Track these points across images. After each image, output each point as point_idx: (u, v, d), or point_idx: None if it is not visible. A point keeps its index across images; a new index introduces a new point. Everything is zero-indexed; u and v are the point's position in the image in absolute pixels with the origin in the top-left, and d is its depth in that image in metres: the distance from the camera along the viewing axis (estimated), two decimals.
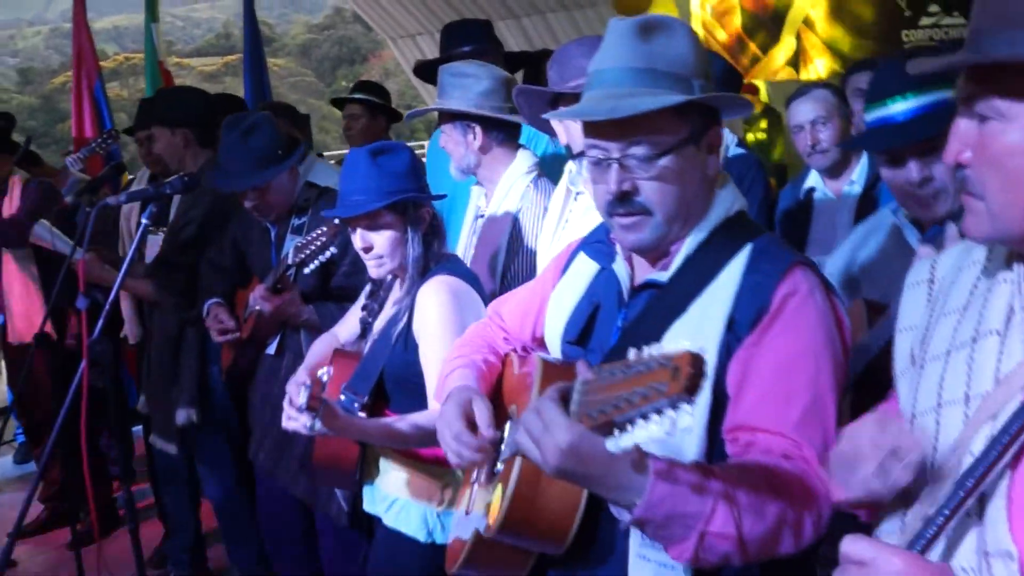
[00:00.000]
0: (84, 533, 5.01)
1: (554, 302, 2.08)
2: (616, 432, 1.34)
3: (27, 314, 5.28)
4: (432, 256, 2.77)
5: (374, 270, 2.77)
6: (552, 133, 3.00)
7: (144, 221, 3.18)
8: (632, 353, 1.34)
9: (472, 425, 1.96)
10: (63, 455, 5.63)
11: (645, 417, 1.29)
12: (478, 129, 3.32)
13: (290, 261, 3.34)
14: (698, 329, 1.73)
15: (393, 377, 2.73)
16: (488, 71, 3.34)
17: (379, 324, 2.86)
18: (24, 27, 70.25)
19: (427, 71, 4.47)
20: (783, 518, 1.60)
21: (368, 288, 2.99)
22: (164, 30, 7.73)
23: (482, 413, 1.96)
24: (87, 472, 3.16)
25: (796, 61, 7.52)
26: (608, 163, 1.78)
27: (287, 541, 3.83)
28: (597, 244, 2.02)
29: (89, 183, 4.31)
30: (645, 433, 1.30)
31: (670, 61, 1.76)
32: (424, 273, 2.74)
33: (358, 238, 2.73)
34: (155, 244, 4.46)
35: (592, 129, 1.79)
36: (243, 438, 4.07)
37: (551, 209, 3.03)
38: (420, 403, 2.63)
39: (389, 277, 2.88)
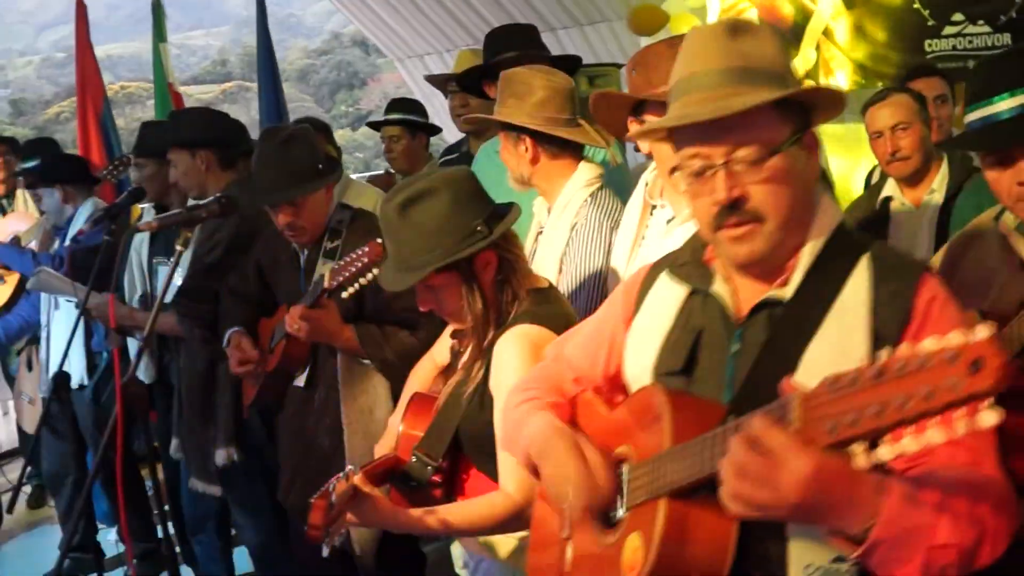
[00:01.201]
0: None
1: (638, 334, 1.88)
2: (868, 446, 1.28)
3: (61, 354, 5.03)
4: (508, 302, 2.39)
5: (452, 326, 2.51)
6: (624, 139, 2.81)
7: (178, 248, 2.96)
8: (884, 353, 1.24)
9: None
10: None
11: (918, 423, 1.21)
12: (528, 140, 3.12)
13: (326, 285, 3.06)
14: (841, 346, 1.60)
15: (471, 437, 2.40)
16: (546, 80, 3.14)
17: (458, 372, 2.51)
18: (15, 58, 70.47)
19: (472, 79, 4.23)
20: (986, 526, 1.49)
21: None
22: (146, 61, 7.64)
23: (595, 456, 1.80)
24: (124, 518, 2.93)
25: (816, 73, 7.38)
26: (713, 171, 1.63)
27: None
28: (684, 267, 1.84)
29: (107, 210, 4.10)
30: (916, 442, 1.22)
31: (763, 59, 1.68)
32: (501, 321, 2.39)
33: (420, 302, 2.44)
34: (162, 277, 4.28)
35: (689, 137, 1.67)
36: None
37: (626, 223, 2.84)
38: None
39: None
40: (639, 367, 1.84)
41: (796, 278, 1.68)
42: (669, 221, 2.65)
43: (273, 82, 7.34)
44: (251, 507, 4.16)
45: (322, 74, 55.48)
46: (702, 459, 1.52)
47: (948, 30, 6.65)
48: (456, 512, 2.31)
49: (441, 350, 2.76)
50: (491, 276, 2.37)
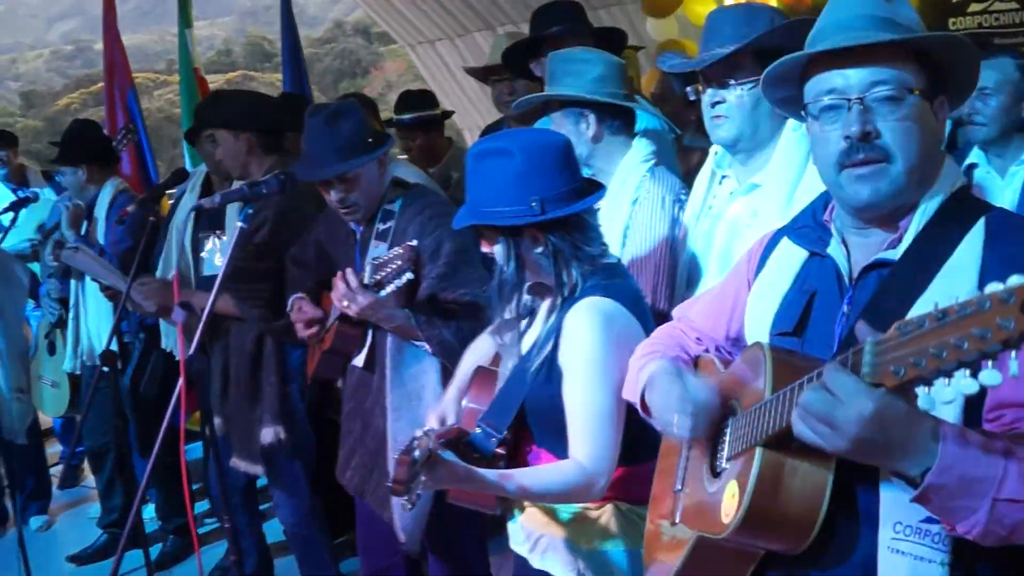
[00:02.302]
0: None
1: (757, 295, 1.94)
2: (928, 388, 1.31)
3: (100, 334, 5.11)
4: (580, 274, 2.38)
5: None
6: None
7: (240, 224, 3.00)
8: (948, 301, 1.28)
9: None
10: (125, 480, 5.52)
11: (974, 364, 1.24)
12: (592, 117, 3.12)
13: (367, 280, 3.07)
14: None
15: (535, 411, 2.42)
16: (601, 56, 3.16)
17: (525, 345, 2.51)
18: (25, 51, 70.30)
19: (516, 58, 4.22)
20: None
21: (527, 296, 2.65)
22: (164, 49, 7.64)
23: (696, 381, 1.88)
24: (187, 494, 2.96)
25: None
26: (848, 105, 1.67)
27: (385, 569, 3.62)
28: (804, 229, 1.89)
29: (152, 191, 4.14)
30: (972, 383, 1.25)
31: (908, 19, 1.72)
32: (573, 293, 2.38)
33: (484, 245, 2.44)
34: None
35: (827, 74, 1.72)
36: (320, 461, 3.91)
37: (694, 193, 2.85)
38: (567, 441, 2.34)
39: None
40: (756, 328, 1.90)
41: (907, 238, 1.71)
42: (732, 192, 2.68)
43: (298, 71, 7.35)
44: (289, 486, 4.21)
45: (325, 63, 55.26)
46: (788, 406, 1.56)
47: (974, 7, 6.67)
48: (526, 476, 2.34)
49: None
50: (538, 251, 2.38)
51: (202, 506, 5.74)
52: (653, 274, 2.97)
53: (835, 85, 1.71)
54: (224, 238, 4.30)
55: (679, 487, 1.99)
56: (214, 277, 4.16)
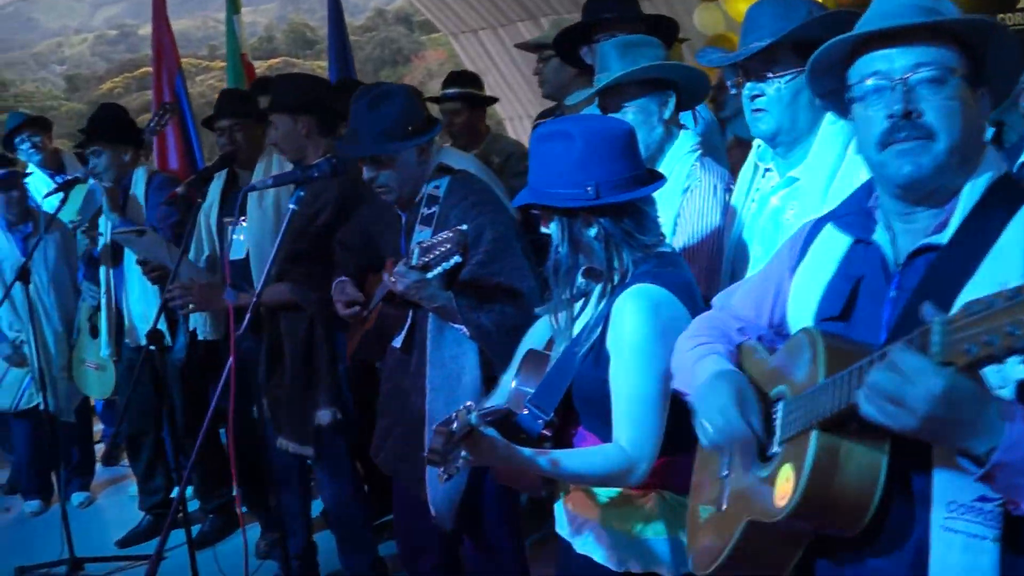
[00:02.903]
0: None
1: (801, 282, 1.96)
2: (999, 365, 1.36)
3: (145, 316, 5.13)
4: (631, 260, 2.39)
5: None
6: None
7: (292, 206, 3.04)
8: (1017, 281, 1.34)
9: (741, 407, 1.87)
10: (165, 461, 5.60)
11: None
12: (672, 100, 3.14)
13: (414, 262, 3.07)
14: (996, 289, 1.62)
15: (583, 395, 2.43)
16: (659, 43, 3.18)
17: (576, 328, 2.52)
18: (71, 35, 70.99)
19: (567, 42, 4.20)
20: None
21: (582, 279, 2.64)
22: (207, 35, 7.71)
23: (752, 402, 1.88)
24: (235, 473, 2.99)
25: None
26: (892, 86, 1.72)
27: (423, 550, 3.65)
28: (848, 216, 1.91)
29: (201, 173, 4.18)
30: None
31: (950, 12, 1.75)
32: (623, 279, 2.40)
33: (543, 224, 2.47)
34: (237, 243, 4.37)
35: (871, 57, 1.77)
36: (362, 441, 3.94)
37: (739, 185, 2.85)
38: (611, 426, 2.36)
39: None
40: (800, 314, 1.93)
41: (954, 223, 1.73)
42: (773, 186, 2.68)
43: (344, 58, 7.39)
44: (334, 467, 4.25)
45: (366, 51, 55.30)
46: (849, 388, 1.58)
47: None
48: (568, 457, 2.35)
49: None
50: (590, 235, 2.40)
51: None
52: (707, 261, 2.97)
53: (879, 67, 1.75)
54: (245, 223, 4.35)
55: (725, 473, 1.99)
56: (239, 262, 4.26)
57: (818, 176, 2.54)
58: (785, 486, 1.71)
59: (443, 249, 2.98)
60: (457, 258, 2.99)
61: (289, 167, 4.31)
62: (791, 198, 2.63)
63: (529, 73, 10.51)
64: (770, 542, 1.81)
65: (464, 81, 5.53)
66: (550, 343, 2.68)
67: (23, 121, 6.66)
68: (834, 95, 1.91)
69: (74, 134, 6.30)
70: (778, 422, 1.83)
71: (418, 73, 46.92)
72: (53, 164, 6.62)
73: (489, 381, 3.26)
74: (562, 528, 2.63)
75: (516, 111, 11.54)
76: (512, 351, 2.98)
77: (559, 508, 2.64)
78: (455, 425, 2.10)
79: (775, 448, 1.82)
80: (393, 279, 3.11)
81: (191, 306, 4.21)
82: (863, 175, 2.40)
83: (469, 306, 3.23)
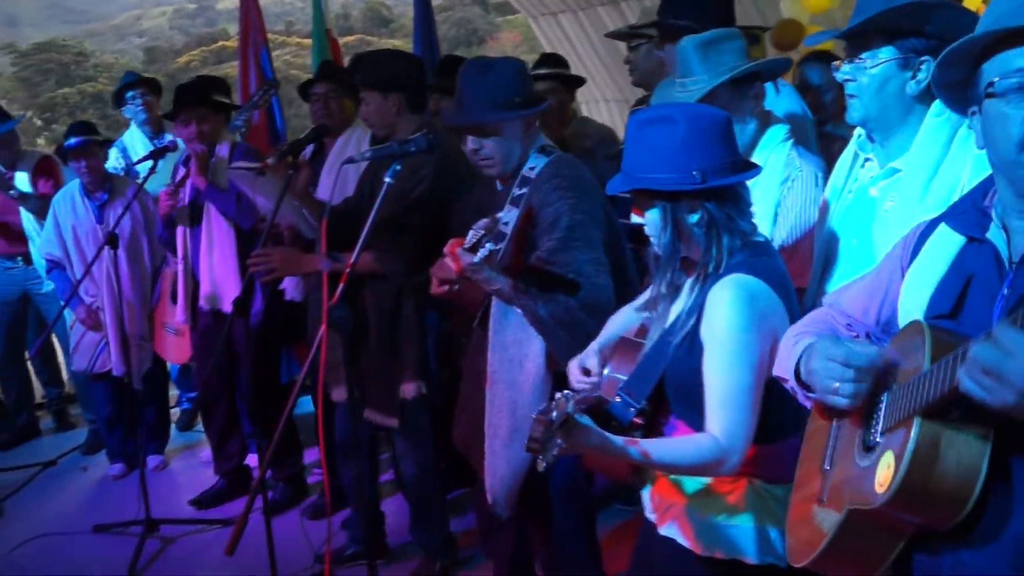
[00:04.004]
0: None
1: (912, 281, 1.94)
2: None
3: (224, 281, 5.23)
4: (727, 248, 2.38)
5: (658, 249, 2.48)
6: None
7: (388, 180, 3.07)
8: None
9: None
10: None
11: None
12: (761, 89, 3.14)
13: (466, 244, 3.06)
14: None
15: (676, 383, 2.43)
16: (733, 34, 3.17)
17: (669, 317, 2.52)
18: (150, 7, 72.02)
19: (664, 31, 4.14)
20: None
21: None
22: (283, 11, 7.78)
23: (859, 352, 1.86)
24: (323, 444, 3.02)
25: None
26: None
27: (499, 528, 3.69)
28: (963, 215, 1.89)
29: (291, 145, 4.23)
30: None
31: None
32: (719, 268, 2.39)
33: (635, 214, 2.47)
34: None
35: (1014, 52, 1.68)
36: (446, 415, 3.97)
37: (835, 174, 2.82)
38: (703, 415, 2.35)
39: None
40: (910, 312, 1.90)
41: None
42: (872, 176, 2.65)
43: (428, 36, 7.42)
44: (415, 438, 4.29)
45: (441, 31, 55.18)
46: (951, 370, 1.56)
47: None
48: (660, 446, 2.35)
49: (646, 296, 2.75)
50: (693, 220, 2.38)
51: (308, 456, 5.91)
52: (810, 252, 2.93)
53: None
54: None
55: (827, 467, 1.99)
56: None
57: (921, 169, 2.50)
58: (885, 473, 1.70)
59: (480, 236, 2.99)
60: (490, 245, 2.97)
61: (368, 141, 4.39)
62: (891, 189, 2.59)
63: (607, 57, 10.51)
64: (869, 532, 1.80)
65: (555, 62, 5.51)
66: (640, 330, 2.68)
67: (136, 79, 6.84)
68: (955, 87, 1.87)
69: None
70: (882, 412, 1.82)
71: (492, 54, 46.52)
72: (155, 127, 6.74)
73: (555, 370, 3.27)
74: (648, 511, 2.64)
75: (593, 95, 11.47)
76: (570, 345, 3.01)
77: (647, 493, 2.64)
78: (554, 414, 2.11)
79: (878, 438, 1.81)
80: (451, 259, 3.13)
81: (275, 272, 4.25)
82: (968, 170, 2.38)
83: (527, 293, 3.19)
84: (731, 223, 2.39)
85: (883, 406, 1.83)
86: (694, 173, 2.32)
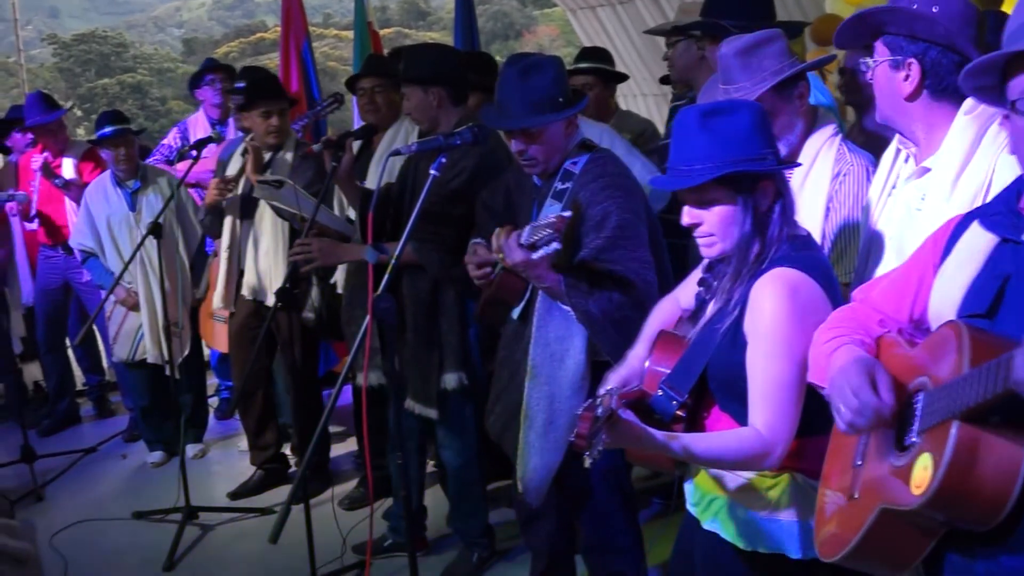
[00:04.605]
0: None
1: (945, 278, 1.94)
2: None
3: (268, 273, 5.25)
4: (773, 239, 2.37)
5: (704, 250, 2.46)
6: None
7: (433, 172, 3.08)
8: None
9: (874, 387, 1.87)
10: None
11: None
12: (807, 87, 3.12)
13: (523, 240, 3.10)
14: None
15: (719, 376, 2.42)
16: (774, 35, 3.12)
17: (711, 310, 2.51)
18: None
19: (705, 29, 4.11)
20: None
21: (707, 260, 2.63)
22: (321, 4, 7.81)
23: (885, 379, 1.87)
24: (366, 434, 3.05)
25: None
26: None
27: (540, 516, 3.70)
28: (996, 216, 1.89)
29: (340, 137, 4.26)
30: None
31: None
32: (763, 260, 2.38)
33: (685, 214, 2.42)
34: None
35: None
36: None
37: (879, 172, 2.81)
38: (746, 409, 2.34)
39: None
40: (943, 310, 1.90)
41: None
42: (908, 176, 2.63)
43: (469, 30, 7.43)
44: (458, 428, 4.31)
45: (478, 24, 55.53)
46: (995, 379, 1.55)
47: None
48: (704, 441, 2.35)
49: (687, 293, 2.76)
50: (765, 207, 2.39)
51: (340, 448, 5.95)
52: (854, 245, 2.92)
53: None
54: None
55: (859, 462, 1.98)
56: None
57: (948, 167, 2.49)
58: (922, 475, 1.69)
59: (546, 233, 2.99)
60: (556, 245, 2.98)
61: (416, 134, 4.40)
62: (922, 188, 2.58)
63: (645, 52, 10.49)
64: (902, 531, 1.80)
65: (597, 56, 5.49)
66: (678, 323, 2.68)
67: (216, 64, 6.96)
68: (987, 90, 1.88)
69: (189, 95, 6.49)
70: (918, 412, 1.81)
71: (529, 48, 46.92)
72: (222, 113, 6.81)
73: (595, 367, 3.27)
74: (691, 504, 2.64)
75: (631, 89, 11.44)
76: (618, 341, 3.01)
77: (689, 486, 2.64)
78: (599, 410, 2.11)
79: (913, 438, 1.80)
80: (500, 254, 3.15)
81: (314, 262, 4.27)
82: (995, 168, 2.37)
83: (578, 289, 3.22)
84: (786, 212, 2.41)
85: (919, 406, 1.82)
86: (767, 156, 2.35)
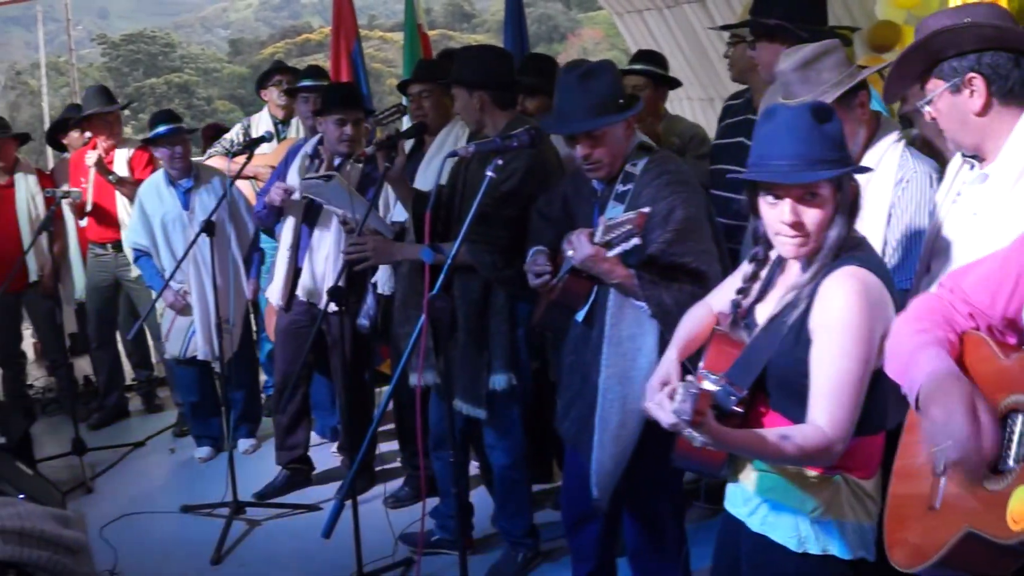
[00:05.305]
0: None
1: None
2: None
3: (325, 277, 5.25)
4: (848, 239, 2.40)
5: (792, 249, 2.42)
6: None
7: (489, 174, 3.11)
8: None
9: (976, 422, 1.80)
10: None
11: None
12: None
13: (597, 239, 3.14)
14: None
15: (777, 373, 2.42)
16: (833, 47, 3.12)
17: (767, 309, 2.52)
18: (236, 0, 73.22)
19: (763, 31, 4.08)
20: None
21: (749, 267, 2.63)
22: (366, 5, 7.86)
23: (988, 419, 1.82)
24: (420, 433, 3.08)
25: None
26: None
27: (586, 517, 3.71)
28: None
29: (391, 138, 4.31)
30: None
31: None
32: (836, 259, 2.39)
33: (786, 210, 2.38)
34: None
35: None
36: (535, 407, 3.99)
37: (944, 178, 2.80)
38: (804, 407, 2.33)
39: (774, 255, 2.58)
40: None
41: None
42: (969, 182, 2.62)
43: (519, 33, 7.45)
44: (506, 429, 4.33)
45: None
46: None
47: None
48: (771, 436, 2.31)
49: (719, 297, 2.78)
50: (850, 207, 2.41)
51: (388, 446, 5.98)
52: (917, 253, 2.91)
53: None
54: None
55: (940, 471, 1.94)
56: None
57: (1006, 173, 2.48)
58: (1020, 508, 1.65)
59: (624, 230, 3.03)
60: (636, 240, 3.03)
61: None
62: (983, 193, 2.57)
63: (692, 56, 10.46)
64: (987, 553, 1.77)
65: (650, 59, 5.48)
66: (725, 319, 2.68)
67: (283, 66, 7.08)
68: None
69: (235, 95, 6.55)
70: (1016, 435, 1.77)
71: (573, 51, 46.83)
72: (286, 113, 6.86)
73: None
74: (735, 506, 2.64)
75: (677, 94, 11.40)
76: None
77: (735, 487, 2.64)
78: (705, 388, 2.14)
79: (1010, 463, 1.76)
80: (573, 252, 3.18)
81: (367, 260, 4.32)
82: None
83: (652, 282, 3.26)
84: (860, 206, 2.44)
85: (1017, 429, 1.78)
86: (851, 157, 2.40)
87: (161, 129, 5.86)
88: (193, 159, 6.16)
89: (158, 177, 6.09)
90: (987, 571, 1.80)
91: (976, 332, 2.03)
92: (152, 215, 6.01)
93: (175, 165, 5.95)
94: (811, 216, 2.37)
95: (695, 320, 2.80)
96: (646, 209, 3.05)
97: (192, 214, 5.90)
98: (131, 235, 6.13)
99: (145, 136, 6.15)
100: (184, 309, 5.98)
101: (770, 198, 2.40)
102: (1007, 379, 1.85)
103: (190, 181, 6.02)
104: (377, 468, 5.90)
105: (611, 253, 3.10)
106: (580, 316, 3.57)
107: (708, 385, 2.14)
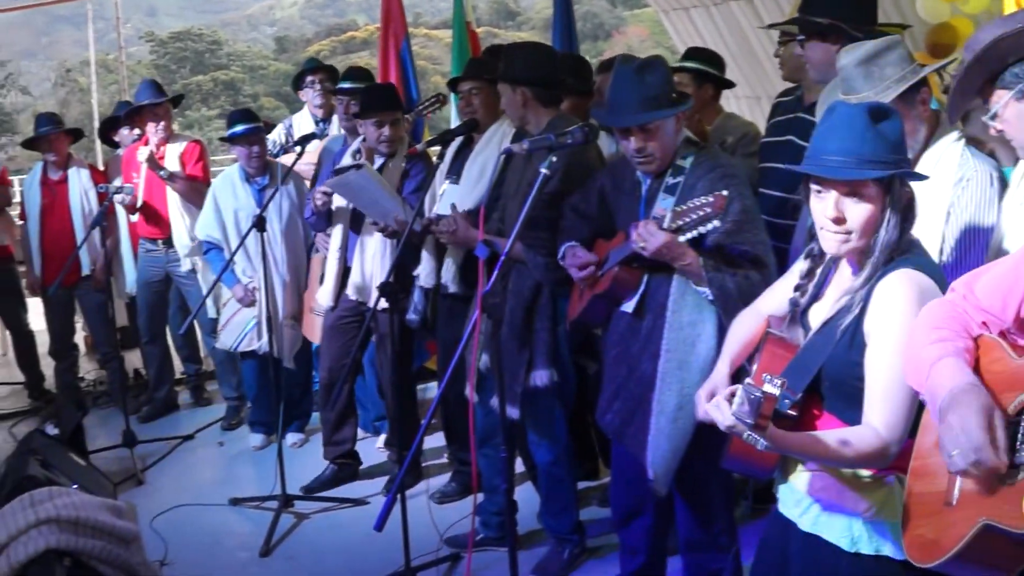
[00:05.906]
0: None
1: None
2: None
3: (375, 276, 5.26)
4: (902, 243, 2.38)
5: (834, 245, 2.41)
6: None
7: (544, 171, 3.14)
8: None
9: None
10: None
11: None
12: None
13: (665, 225, 3.16)
14: None
15: (831, 376, 2.41)
16: (894, 43, 3.09)
17: (821, 311, 2.52)
18: None
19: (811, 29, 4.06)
20: None
21: (805, 263, 2.62)
22: (411, 3, 7.87)
23: (1002, 430, 1.82)
24: (472, 430, 3.10)
25: None
26: None
27: (638, 512, 3.73)
28: None
29: (441, 135, 4.35)
30: None
31: None
32: (889, 261, 2.38)
33: (830, 204, 2.37)
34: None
35: None
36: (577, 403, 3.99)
37: (1012, 181, 2.77)
38: (857, 410, 2.33)
39: (827, 256, 2.55)
40: None
41: None
42: None
43: (568, 32, 7.46)
44: (548, 426, 4.35)
45: None
46: None
47: None
48: (828, 438, 2.32)
49: (769, 300, 2.77)
50: (902, 212, 2.38)
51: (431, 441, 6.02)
52: (983, 255, 2.89)
53: None
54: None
55: (956, 472, 1.94)
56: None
57: None
58: None
59: (700, 214, 3.07)
60: (716, 223, 3.08)
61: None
62: None
63: (739, 54, 10.40)
64: (1003, 547, 1.78)
65: (703, 58, 5.43)
66: (767, 321, 2.68)
67: (318, 65, 7.10)
68: None
69: (280, 92, 6.60)
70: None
71: (618, 48, 46.70)
72: (326, 112, 6.91)
73: None
74: (787, 508, 2.63)
75: (724, 92, 11.40)
76: None
77: (785, 487, 2.63)
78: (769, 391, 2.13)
79: (1022, 458, 1.77)
80: (642, 243, 3.20)
81: (453, 238, 4.42)
82: None
83: (717, 267, 3.31)
84: (915, 210, 2.42)
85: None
86: (907, 160, 2.38)
87: (239, 128, 5.96)
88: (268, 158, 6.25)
89: (233, 172, 6.20)
90: (1004, 564, 1.81)
91: (990, 336, 2.03)
92: (225, 209, 6.11)
93: (252, 164, 6.06)
94: (854, 213, 2.35)
95: (745, 328, 2.80)
96: (724, 192, 3.07)
97: (266, 210, 5.95)
98: (203, 227, 6.21)
99: (222, 136, 6.24)
100: (252, 304, 6.05)
101: (817, 189, 2.40)
102: (1019, 378, 1.86)
103: (265, 179, 6.11)
104: (430, 463, 5.93)
105: (682, 239, 3.15)
106: (630, 307, 3.58)
107: (770, 388, 2.13)
